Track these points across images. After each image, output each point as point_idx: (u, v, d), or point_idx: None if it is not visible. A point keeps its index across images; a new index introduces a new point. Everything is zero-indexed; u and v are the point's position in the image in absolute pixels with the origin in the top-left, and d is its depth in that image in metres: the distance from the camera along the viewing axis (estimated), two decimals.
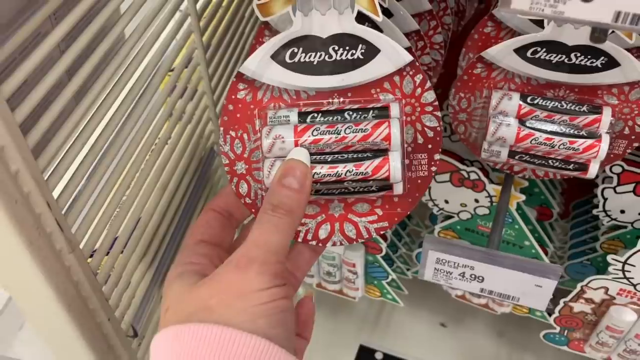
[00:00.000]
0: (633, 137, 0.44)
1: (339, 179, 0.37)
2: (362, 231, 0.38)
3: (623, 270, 0.55)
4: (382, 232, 0.39)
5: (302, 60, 0.38)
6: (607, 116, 0.42)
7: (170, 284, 0.34)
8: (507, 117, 0.44)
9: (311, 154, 0.37)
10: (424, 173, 0.37)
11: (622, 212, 0.59)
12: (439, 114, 0.37)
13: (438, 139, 0.37)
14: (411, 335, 0.80)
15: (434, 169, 0.37)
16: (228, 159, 0.40)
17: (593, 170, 0.44)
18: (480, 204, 0.57)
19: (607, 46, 0.40)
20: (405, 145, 0.37)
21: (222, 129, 0.39)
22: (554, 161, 0.44)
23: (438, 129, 0.37)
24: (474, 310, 0.79)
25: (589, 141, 0.42)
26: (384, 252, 0.62)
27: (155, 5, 0.45)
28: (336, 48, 0.37)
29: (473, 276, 0.44)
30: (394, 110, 0.36)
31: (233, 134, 0.39)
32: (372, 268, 0.66)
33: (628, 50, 0.45)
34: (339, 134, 0.36)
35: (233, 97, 0.39)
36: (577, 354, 0.68)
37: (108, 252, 0.42)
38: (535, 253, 0.60)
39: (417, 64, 0.37)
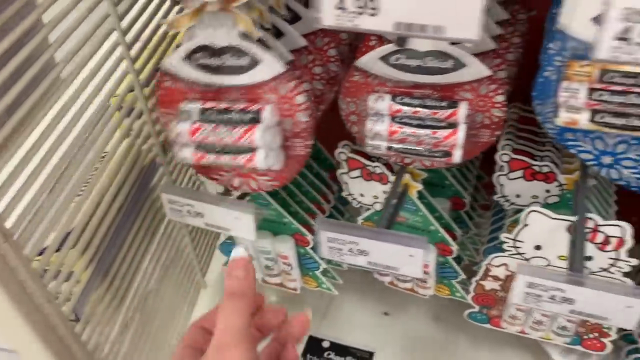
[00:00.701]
0: (493, 126, 0.52)
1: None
2: (261, 186, 0.53)
3: (515, 247, 0.62)
4: (274, 188, 0.54)
5: (205, 62, 0.47)
6: (462, 109, 0.50)
7: None
8: (381, 115, 0.51)
9: (201, 145, 0.46)
10: (301, 152, 0.47)
11: (518, 196, 0.67)
12: (308, 112, 0.46)
13: (309, 129, 0.46)
14: (357, 324, 0.86)
15: (308, 150, 0.47)
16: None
17: (456, 157, 0.51)
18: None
19: (453, 50, 0.48)
20: (285, 132, 0.47)
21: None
22: (424, 150, 0.52)
23: (308, 122, 0.46)
24: (415, 299, 0.86)
25: (448, 131, 0.50)
26: (311, 244, 0.69)
27: (85, 34, 0.53)
28: (228, 56, 0.46)
29: (359, 251, 0.51)
30: (265, 113, 0.45)
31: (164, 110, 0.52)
32: (305, 260, 0.73)
33: (485, 52, 0.53)
34: (219, 135, 0.44)
35: (161, 85, 0.51)
36: (501, 331, 0.75)
37: (43, 249, 0.50)
38: (441, 237, 0.67)
39: (293, 72, 0.45)
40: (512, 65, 0.57)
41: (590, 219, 0.56)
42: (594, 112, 0.47)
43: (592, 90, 0.46)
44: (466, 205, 0.74)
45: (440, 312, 0.87)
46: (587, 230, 0.57)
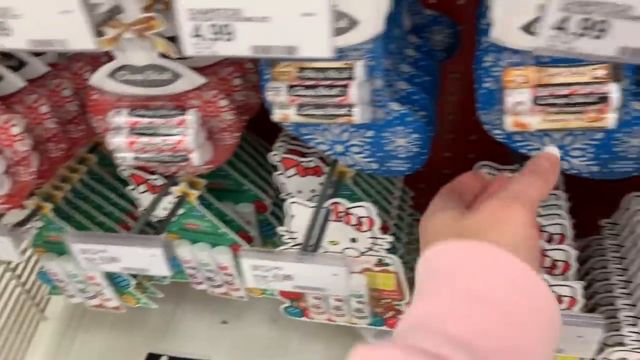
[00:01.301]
0: (230, 129, 0.57)
1: None
2: None
3: (292, 238, 0.66)
4: (7, 210, 0.57)
5: None
6: (190, 116, 0.54)
7: (433, 215, 0.41)
8: (121, 128, 0.55)
9: None
10: (24, 178, 0.52)
11: (300, 192, 0.72)
12: (26, 142, 0.50)
13: (29, 157, 0.50)
14: (196, 336, 0.89)
15: (32, 176, 0.51)
16: None
17: (195, 159, 0.55)
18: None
19: (168, 63, 0.52)
20: (8, 161, 0.50)
21: None
22: (167, 157, 0.56)
23: (27, 150, 0.50)
24: (253, 304, 0.89)
25: (179, 137, 0.54)
26: None
27: None
28: None
29: (110, 258, 0.54)
30: None
31: None
32: (116, 278, 0.75)
33: (219, 62, 0.58)
34: None
35: None
36: (332, 324, 0.79)
37: None
38: (231, 239, 0.71)
39: (6, 107, 0.49)
40: (252, 72, 0.62)
41: (339, 203, 0.62)
42: (300, 106, 0.52)
43: (291, 87, 0.52)
44: (268, 207, 0.78)
45: (277, 314, 0.90)
46: (341, 213, 0.63)
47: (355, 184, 0.70)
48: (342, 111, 0.51)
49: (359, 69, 0.50)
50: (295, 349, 0.86)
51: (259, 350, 0.87)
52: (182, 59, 0.50)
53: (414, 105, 0.57)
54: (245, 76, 0.61)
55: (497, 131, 0.53)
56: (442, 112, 0.72)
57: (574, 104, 0.46)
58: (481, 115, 0.52)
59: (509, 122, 0.49)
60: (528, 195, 0.37)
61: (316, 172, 0.69)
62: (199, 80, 0.53)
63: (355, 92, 0.49)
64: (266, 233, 0.81)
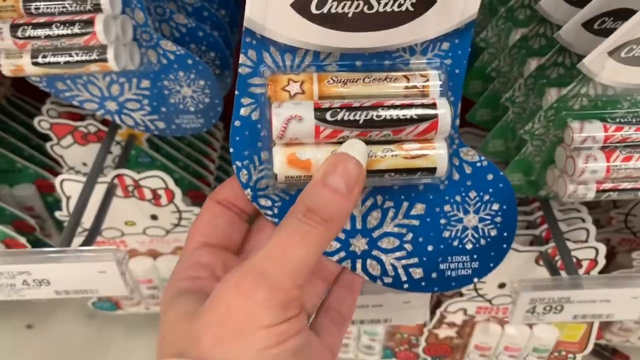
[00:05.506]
0: None
1: None
2: None
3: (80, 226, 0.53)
4: None
5: None
6: None
7: (166, 309, 0.27)
8: None
9: None
10: None
11: (85, 165, 0.58)
12: None
13: None
14: None
15: None
16: None
17: None
18: None
19: None
20: None
21: None
22: None
23: None
24: (63, 303, 0.76)
25: None
26: None
27: None
28: None
29: None
30: None
31: None
32: None
33: None
34: None
35: None
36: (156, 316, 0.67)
37: None
38: (1, 232, 0.56)
39: None
40: None
41: (125, 175, 0.49)
42: (35, 52, 0.39)
43: (15, 26, 0.38)
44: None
45: (93, 311, 0.77)
46: (130, 187, 0.51)
47: (154, 147, 0.58)
48: (93, 56, 0.38)
49: None
50: (119, 346, 0.74)
51: (74, 352, 0.73)
52: None
53: (200, 44, 0.46)
54: None
55: None
56: None
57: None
58: None
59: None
60: (283, 266, 0.24)
61: (100, 138, 0.56)
62: None
63: (101, 29, 0.37)
64: None
